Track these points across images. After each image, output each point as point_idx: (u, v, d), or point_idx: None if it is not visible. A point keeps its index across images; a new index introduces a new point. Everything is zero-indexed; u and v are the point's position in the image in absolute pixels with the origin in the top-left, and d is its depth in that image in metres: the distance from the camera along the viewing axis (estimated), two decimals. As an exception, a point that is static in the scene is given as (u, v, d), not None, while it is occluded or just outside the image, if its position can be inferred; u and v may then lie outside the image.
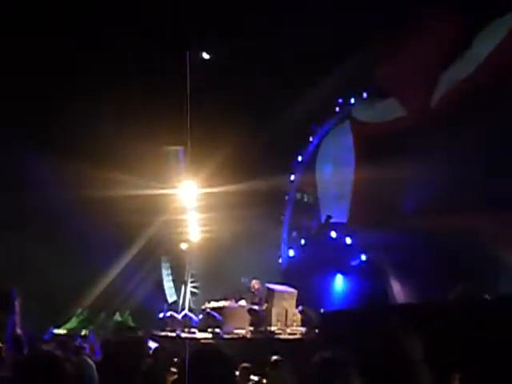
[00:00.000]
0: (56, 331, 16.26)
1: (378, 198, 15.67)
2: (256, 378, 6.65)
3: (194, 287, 19.13)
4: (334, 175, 19.07)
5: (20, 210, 17.05)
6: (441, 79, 15.37)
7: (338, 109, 19.21)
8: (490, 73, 13.98)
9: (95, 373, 4.39)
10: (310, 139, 20.01)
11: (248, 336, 12.06)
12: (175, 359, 6.56)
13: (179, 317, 15.40)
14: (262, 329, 11.85)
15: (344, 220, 17.78)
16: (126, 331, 11.92)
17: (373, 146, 16.70)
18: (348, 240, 16.30)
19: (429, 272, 13.39)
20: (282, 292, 12.49)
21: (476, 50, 14.37)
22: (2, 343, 5.48)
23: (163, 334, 14.38)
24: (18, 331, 7.58)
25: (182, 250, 19.53)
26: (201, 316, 14.50)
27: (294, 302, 12.55)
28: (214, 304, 13.94)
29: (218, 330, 12.78)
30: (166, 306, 17.75)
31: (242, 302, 13.68)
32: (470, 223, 12.86)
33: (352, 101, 18.71)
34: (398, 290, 14.59)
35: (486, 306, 7.49)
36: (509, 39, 13.85)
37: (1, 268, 14.35)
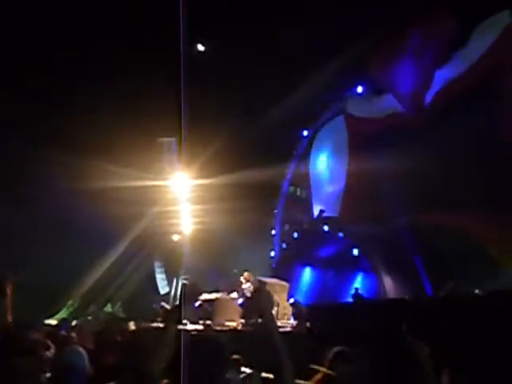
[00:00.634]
0: (46, 321, 16.22)
1: (370, 193, 15.71)
2: (248, 370, 6.64)
3: (185, 279, 19.13)
4: (328, 169, 19.11)
5: (9, 200, 16.96)
6: (436, 76, 15.39)
7: (332, 103, 19.20)
8: (482, 71, 14.01)
9: (86, 361, 4.37)
10: (304, 133, 20.01)
11: (239, 328, 12.07)
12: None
13: (171, 308, 15.38)
14: (253, 321, 11.85)
15: (336, 214, 17.83)
16: (116, 322, 11.93)
17: (367, 141, 16.73)
18: (340, 234, 16.35)
19: (420, 268, 13.47)
20: (273, 284, 12.52)
21: (470, 49, 14.39)
22: None
23: (154, 325, 14.36)
24: (9, 318, 7.55)
25: (174, 242, 19.51)
26: (192, 307, 14.49)
27: (286, 295, 12.59)
28: (206, 296, 13.93)
29: (209, 322, 12.78)
30: (157, 298, 17.75)
31: (234, 295, 13.68)
32: (460, 220, 12.94)
33: (347, 95, 18.70)
34: (389, 286, 14.66)
35: (477, 301, 7.54)
36: (502, 38, 13.87)
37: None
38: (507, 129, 13.11)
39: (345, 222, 16.88)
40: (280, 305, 12.13)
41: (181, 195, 18.68)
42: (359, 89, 18.24)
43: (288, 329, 11.15)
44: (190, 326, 12.94)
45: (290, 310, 12.20)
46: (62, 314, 18.35)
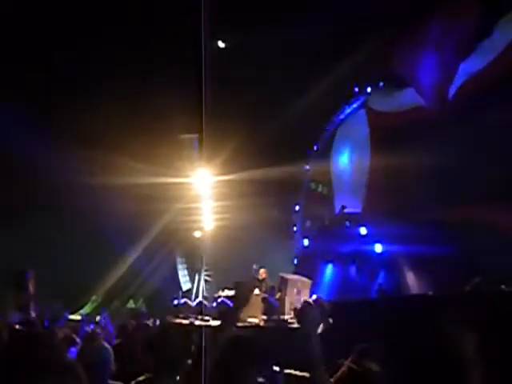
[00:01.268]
0: (70, 317, 16.41)
1: (393, 189, 15.57)
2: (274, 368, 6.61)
3: (207, 275, 19.18)
4: (349, 165, 18.98)
5: (35, 197, 17.18)
6: (460, 69, 15.15)
7: (353, 98, 19.06)
8: (508, 62, 13.74)
9: (112, 357, 4.40)
10: (326, 128, 19.90)
11: (261, 324, 12.05)
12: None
13: (193, 304, 15.45)
14: (275, 318, 11.83)
15: (358, 210, 17.70)
16: (136, 317, 12.02)
17: (389, 136, 16.56)
18: (363, 230, 16.23)
19: (444, 263, 13.30)
20: (295, 281, 12.46)
21: (496, 39, 14.12)
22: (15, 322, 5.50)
23: (177, 321, 14.43)
24: (32, 313, 7.63)
25: (196, 238, 19.57)
26: (214, 304, 14.53)
27: (308, 291, 12.52)
28: (227, 292, 13.95)
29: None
30: (180, 294, 17.83)
31: (256, 291, 13.67)
32: (486, 214, 12.73)
33: (368, 90, 18.54)
34: (412, 281, 14.52)
35: (503, 297, 7.40)
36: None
37: (16, 253, 14.53)
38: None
39: (367, 218, 16.75)
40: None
41: (202, 192, 18.71)
42: (381, 83, 18.07)
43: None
44: (212, 322, 12.99)
45: (312, 306, 12.12)
46: (86, 309, 18.57)
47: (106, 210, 17.38)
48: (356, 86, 18.76)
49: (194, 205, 18.86)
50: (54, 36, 15.62)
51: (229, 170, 17.56)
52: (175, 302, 16.52)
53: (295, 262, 19.03)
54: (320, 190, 20.20)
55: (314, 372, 3.05)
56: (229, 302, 13.38)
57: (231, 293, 13.79)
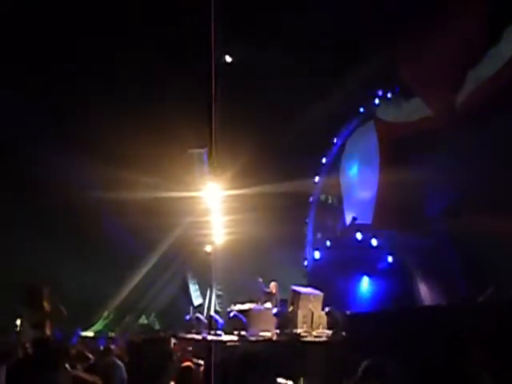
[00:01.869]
0: (83, 333, 16.44)
1: (403, 200, 15.49)
2: (283, 381, 6.57)
3: (219, 289, 19.15)
4: (359, 176, 18.94)
5: (47, 211, 17.31)
6: (467, 77, 15.12)
7: (362, 109, 19.08)
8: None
9: (124, 373, 4.41)
10: (334, 140, 19.91)
11: (274, 338, 12.01)
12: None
13: (205, 319, 15.43)
14: (288, 331, 11.79)
15: (369, 221, 17.63)
16: (151, 333, 12.03)
17: (398, 147, 16.54)
18: (374, 242, 16.15)
19: (456, 274, 13.19)
20: (307, 294, 12.44)
21: (503, 46, 14.10)
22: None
23: (189, 336, 14.41)
24: (47, 331, 7.66)
25: (206, 253, 19.57)
26: (227, 318, 14.51)
27: (320, 304, 12.48)
28: (239, 306, 13.93)
29: (243, 333, 12.76)
30: (191, 309, 17.81)
31: (268, 305, 13.64)
32: (496, 224, 12.63)
33: (376, 101, 18.55)
34: (425, 292, 14.40)
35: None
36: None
37: (29, 270, 14.62)
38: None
39: (378, 229, 16.68)
40: (314, 314, 12.04)
41: (213, 206, 18.75)
42: (389, 94, 18.08)
43: (324, 338, 11.05)
44: (224, 337, 12.97)
45: (325, 319, 12.09)
46: (98, 325, 18.58)
47: (116, 224, 17.46)
48: (364, 97, 18.78)
49: (204, 219, 18.89)
50: (64, 49, 15.83)
51: (239, 183, 17.60)
52: (187, 317, 16.50)
53: (307, 274, 18.95)
54: (330, 202, 20.17)
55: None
56: (241, 317, 13.36)
57: (243, 307, 13.78)
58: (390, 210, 16.36)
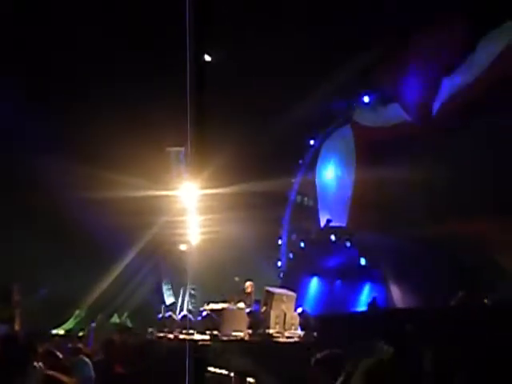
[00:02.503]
0: (54, 331, 16.23)
1: (377, 203, 15.66)
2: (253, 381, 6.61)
3: (192, 289, 19.07)
4: (334, 179, 19.08)
5: (22, 211, 17.08)
6: (444, 84, 15.36)
7: (339, 112, 19.21)
8: (492, 78, 13.96)
9: (92, 372, 4.36)
10: (311, 142, 20.00)
11: (246, 338, 12.00)
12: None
13: (178, 318, 15.34)
14: (261, 331, 11.79)
15: (344, 224, 17.76)
16: (123, 332, 11.92)
17: (374, 150, 16.71)
18: (348, 244, 16.27)
19: (429, 277, 13.36)
20: (281, 295, 12.43)
21: (479, 56, 14.35)
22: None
23: (161, 335, 14.31)
24: (17, 326, 7.54)
25: (181, 252, 19.48)
26: (199, 318, 14.44)
27: (293, 304, 12.50)
28: (212, 306, 13.87)
29: (216, 332, 12.72)
30: (162, 308, 17.70)
31: (241, 305, 13.62)
32: (470, 228, 12.84)
33: (354, 105, 18.70)
34: (397, 295, 14.55)
35: (486, 311, 7.46)
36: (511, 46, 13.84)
37: (2, 266, 14.43)
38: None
39: (352, 232, 16.80)
40: (287, 314, 12.06)
41: (189, 205, 18.67)
42: (366, 98, 18.24)
43: (295, 339, 11.08)
44: (197, 336, 12.91)
45: (297, 320, 12.12)
46: (69, 324, 18.35)
47: (91, 223, 17.28)
48: (342, 101, 18.92)
49: (180, 218, 18.80)
50: (47, 50, 15.68)
51: (215, 183, 17.56)
52: (160, 315, 16.40)
53: (281, 275, 19.01)
54: (306, 203, 20.26)
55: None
56: (214, 316, 13.30)
57: (216, 306, 13.73)
58: (365, 212, 16.51)
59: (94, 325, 16.01)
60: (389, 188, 14.91)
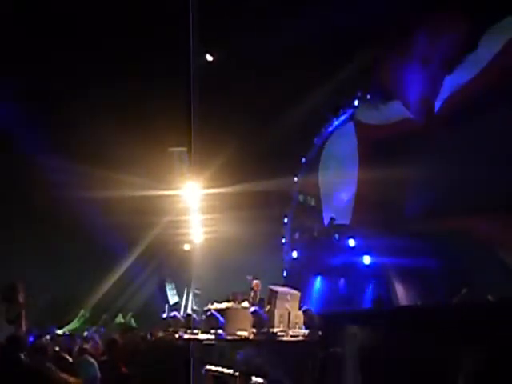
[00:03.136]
0: (59, 332, 16.27)
1: (381, 201, 15.64)
2: (259, 380, 6.63)
3: (196, 288, 19.09)
4: (338, 177, 19.05)
5: (24, 211, 17.14)
6: (445, 82, 15.33)
7: (341, 111, 19.19)
8: (494, 75, 13.93)
9: (98, 372, 4.39)
10: (314, 141, 19.99)
11: (250, 337, 12.02)
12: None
13: (182, 318, 15.38)
14: (265, 330, 11.80)
15: (347, 222, 17.75)
16: (128, 332, 11.94)
17: (376, 148, 16.68)
18: (351, 242, 16.26)
19: (432, 275, 13.35)
20: (284, 293, 12.44)
21: (481, 52, 14.32)
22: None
23: (161, 334, 14.33)
24: (23, 326, 7.57)
25: (185, 251, 19.51)
26: (203, 317, 14.47)
27: (297, 303, 12.50)
28: (216, 305, 13.90)
29: (220, 332, 12.75)
30: (166, 307, 17.75)
31: (245, 304, 13.64)
32: (473, 226, 12.82)
33: (356, 103, 18.68)
34: (401, 293, 14.55)
35: (490, 308, 7.45)
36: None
37: (7, 266, 14.50)
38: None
39: (356, 230, 16.79)
40: (291, 313, 12.07)
41: (191, 205, 18.70)
42: (368, 96, 18.22)
43: (300, 337, 11.09)
44: (201, 336, 12.95)
45: (301, 318, 12.13)
46: (74, 324, 18.40)
47: (94, 223, 17.32)
48: (344, 99, 18.90)
49: (183, 218, 18.84)
50: (46, 50, 15.70)
51: (218, 182, 17.59)
52: (164, 315, 16.45)
53: (284, 274, 19.01)
54: (309, 202, 20.24)
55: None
56: (218, 316, 13.33)
57: (220, 306, 13.75)
58: (369, 210, 16.49)
59: (94, 328, 16.07)
60: (392, 186, 14.88)
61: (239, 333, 12.31)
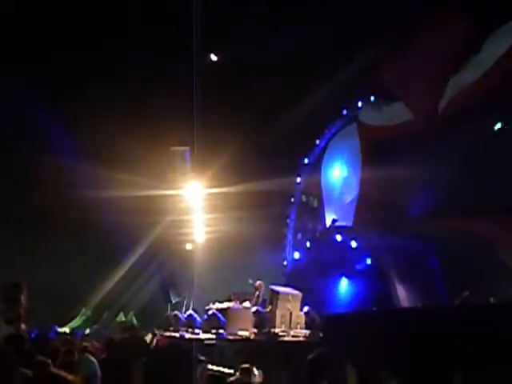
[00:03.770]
0: (60, 330, 16.28)
1: (383, 202, 15.63)
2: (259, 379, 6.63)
3: (198, 288, 19.08)
4: (340, 178, 19.04)
5: (27, 210, 17.16)
6: (449, 84, 15.31)
7: (345, 112, 19.17)
8: (498, 77, 13.92)
9: (98, 370, 4.39)
10: (317, 142, 19.98)
11: (252, 337, 12.02)
12: None
13: (183, 317, 15.39)
14: (266, 330, 11.81)
15: (349, 223, 17.74)
16: (128, 331, 11.95)
17: (379, 150, 16.67)
18: (353, 243, 16.25)
19: (435, 276, 13.34)
20: (286, 294, 12.47)
21: (485, 54, 14.31)
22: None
23: (167, 333, 14.36)
24: (23, 326, 7.57)
25: (187, 251, 19.50)
26: (205, 317, 14.49)
27: (299, 304, 12.52)
28: (218, 305, 13.91)
29: (221, 331, 12.76)
30: (169, 307, 17.74)
31: (247, 304, 13.65)
32: (475, 227, 12.82)
33: (359, 104, 18.66)
34: (402, 295, 14.53)
35: (492, 309, 7.44)
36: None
37: (9, 265, 14.53)
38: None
39: (358, 231, 16.78)
40: (293, 314, 12.08)
41: (194, 204, 18.69)
42: (372, 97, 18.20)
43: (301, 338, 11.11)
44: (202, 335, 12.96)
45: (303, 319, 12.14)
46: (76, 322, 18.41)
47: (98, 222, 17.33)
48: (347, 100, 18.88)
49: (185, 217, 18.82)
50: (50, 49, 15.73)
51: (220, 182, 17.58)
52: (166, 314, 16.46)
53: (286, 274, 19.00)
54: (311, 202, 20.23)
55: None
56: (220, 315, 13.34)
57: (222, 306, 13.77)
58: (371, 212, 16.47)
59: (96, 327, 16.08)
60: (394, 187, 14.88)
61: (240, 333, 12.32)
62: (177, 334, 14.15)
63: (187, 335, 13.76)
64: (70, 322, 18.16)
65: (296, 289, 13.17)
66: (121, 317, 18.70)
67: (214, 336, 12.66)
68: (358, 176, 17.98)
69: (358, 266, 16.12)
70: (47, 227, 17.46)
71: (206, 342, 12.19)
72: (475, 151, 13.13)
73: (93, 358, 4.52)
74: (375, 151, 17.12)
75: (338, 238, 16.85)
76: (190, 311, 15.75)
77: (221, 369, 7.82)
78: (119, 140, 15.58)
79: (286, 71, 16.05)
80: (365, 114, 18.27)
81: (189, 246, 19.43)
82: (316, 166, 19.86)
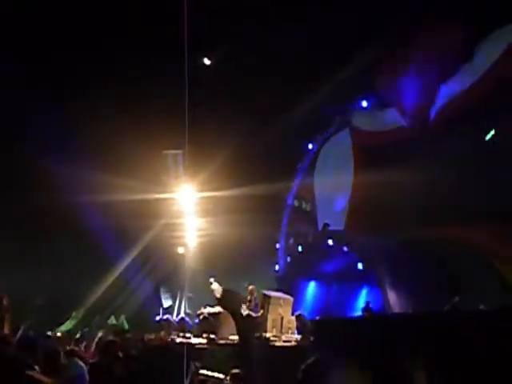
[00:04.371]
0: (50, 333, 16.19)
1: (375, 207, 15.67)
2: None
3: (190, 292, 19.05)
4: (333, 183, 19.08)
5: (21, 212, 17.10)
6: (441, 90, 15.40)
7: (337, 117, 19.24)
8: (489, 85, 14.01)
9: (86, 373, 4.37)
10: (310, 146, 20.02)
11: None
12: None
13: (175, 321, 15.33)
14: (258, 335, 11.78)
15: (341, 228, 17.77)
16: (119, 334, 11.89)
17: (372, 155, 16.73)
18: (345, 248, 16.28)
19: (425, 282, 13.36)
20: (277, 298, 12.43)
21: (477, 62, 14.41)
22: None
23: (152, 337, 14.28)
24: (5, 330, 7.51)
25: (179, 254, 19.47)
26: (196, 321, 14.43)
27: (290, 308, 12.50)
28: (209, 309, 13.86)
29: (213, 336, 12.71)
30: (160, 311, 17.68)
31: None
32: (466, 234, 12.86)
33: (352, 109, 18.73)
34: (394, 300, 14.56)
35: (482, 317, 7.45)
36: (508, 52, 13.89)
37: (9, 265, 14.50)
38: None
39: (350, 236, 16.81)
40: (284, 318, 12.05)
41: (186, 208, 18.67)
42: (364, 103, 18.28)
43: (292, 343, 11.08)
44: (193, 340, 12.91)
45: (294, 323, 12.11)
46: (67, 325, 18.32)
47: (90, 225, 17.28)
48: (340, 105, 18.94)
49: (177, 221, 18.80)
50: (45, 53, 15.71)
51: (213, 186, 17.58)
52: (157, 318, 16.39)
53: (278, 278, 19.00)
54: (303, 207, 20.26)
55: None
56: (211, 319, 13.29)
57: (213, 310, 13.71)
58: (363, 217, 16.52)
59: (87, 330, 16.00)
60: (386, 192, 14.92)
61: (232, 337, 12.28)
62: (168, 338, 14.09)
63: (178, 339, 13.71)
64: (61, 325, 18.08)
65: (287, 293, 13.15)
66: (112, 320, 18.63)
67: (205, 340, 12.62)
68: (350, 181, 18.03)
69: (349, 271, 16.15)
70: (40, 230, 17.43)
71: (197, 346, 12.14)
72: (467, 158, 13.20)
73: (81, 362, 4.49)
74: (368, 156, 17.18)
75: (330, 242, 16.88)
76: (182, 315, 15.70)
77: (212, 373, 7.81)
78: (111, 143, 15.57)
79: (279, 76, 16.08)
80: (358, 120, 18.35)
81: (181, 250, 19.41)
82: (309, 171, 19.91)
